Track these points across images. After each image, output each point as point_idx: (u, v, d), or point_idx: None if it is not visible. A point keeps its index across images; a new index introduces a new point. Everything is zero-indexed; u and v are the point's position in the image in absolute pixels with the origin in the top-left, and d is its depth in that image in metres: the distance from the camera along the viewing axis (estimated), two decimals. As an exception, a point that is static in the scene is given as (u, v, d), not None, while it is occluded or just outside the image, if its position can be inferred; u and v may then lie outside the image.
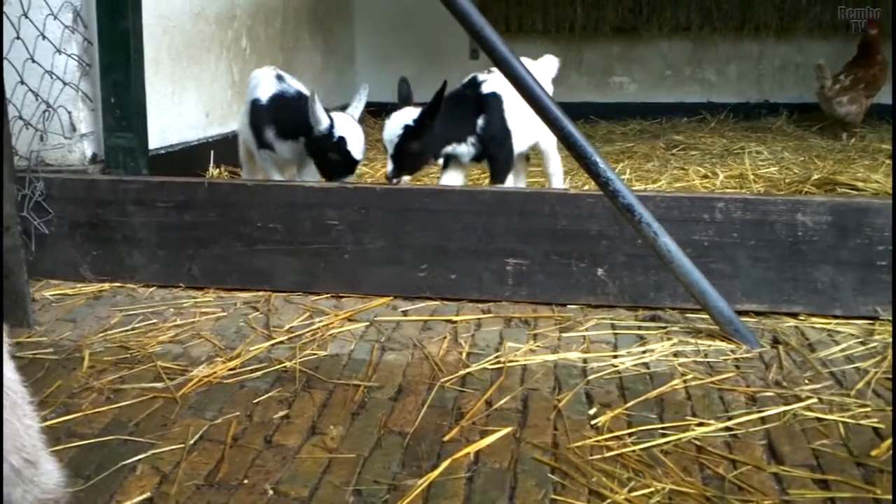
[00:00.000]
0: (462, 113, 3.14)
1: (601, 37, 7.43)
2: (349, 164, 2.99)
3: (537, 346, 2.37)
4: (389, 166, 2.95)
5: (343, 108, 3.16)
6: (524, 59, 3.34)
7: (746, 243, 2.59)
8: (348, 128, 3.00)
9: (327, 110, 3.00)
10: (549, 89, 3.59)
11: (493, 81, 3.19)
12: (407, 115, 2.94)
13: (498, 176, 3.18)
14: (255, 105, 3.26)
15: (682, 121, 6.91)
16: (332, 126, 2.97)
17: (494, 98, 3.16)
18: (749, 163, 4.60)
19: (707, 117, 6.93)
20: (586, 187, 3.51)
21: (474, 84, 3.23)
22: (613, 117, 6.94)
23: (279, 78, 3.29)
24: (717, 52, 7.38)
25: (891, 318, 2.50)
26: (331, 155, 2.99)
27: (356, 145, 3.00)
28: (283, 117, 3.17)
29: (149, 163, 3.22)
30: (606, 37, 7.43)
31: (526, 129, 3.25)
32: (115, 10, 3.01)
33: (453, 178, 3.23)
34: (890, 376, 2.15)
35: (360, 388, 2.11)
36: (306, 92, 3.20)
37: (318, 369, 2.22)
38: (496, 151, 3.17)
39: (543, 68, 3.55)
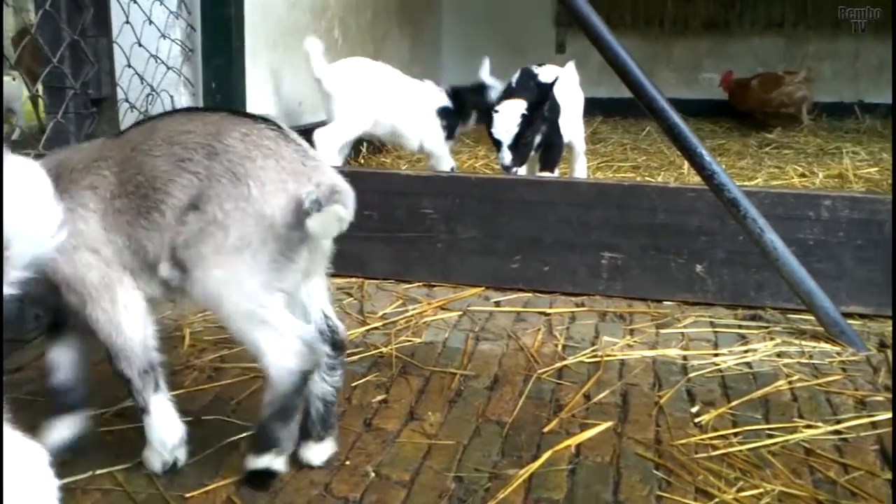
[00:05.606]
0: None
1: (691, 32, 7.30)
2: None
3: (634, 342, 2.33)
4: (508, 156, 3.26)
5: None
6: (551, 67, 3.50)
7: (853, 243, 2.51)
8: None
9: None
10: (579, 94, 3.87)
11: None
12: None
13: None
14: None
15: (775, 119, 6.74)
16: None
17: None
18: (849, 162, 4.46)
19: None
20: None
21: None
22: (701, 114, 6.81)
23: None
24: (811, 50, 7.18)
25: None
26: None
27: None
28: None
29: (245, 148, 3.26)
30: (696, 32, 7.29)
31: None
32: (218, -3, 3.07)
33: None
34: None
35: (457, 376, 2.10)
36: None
37: (413, 356, 2.22)
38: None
39: (569, 75, 3.77)
